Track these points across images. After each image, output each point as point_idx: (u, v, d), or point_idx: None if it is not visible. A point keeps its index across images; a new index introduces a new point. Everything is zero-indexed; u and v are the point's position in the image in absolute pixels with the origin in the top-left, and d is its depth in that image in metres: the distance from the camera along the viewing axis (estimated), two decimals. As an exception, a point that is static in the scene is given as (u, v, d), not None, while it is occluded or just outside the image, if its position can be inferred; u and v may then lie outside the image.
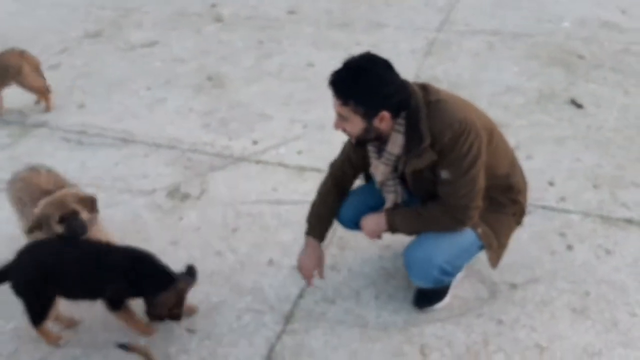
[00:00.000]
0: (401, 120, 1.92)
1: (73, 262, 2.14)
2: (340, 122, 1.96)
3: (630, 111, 3.50)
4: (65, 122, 3.70)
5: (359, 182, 2.37)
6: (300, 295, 2.40)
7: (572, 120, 3.48)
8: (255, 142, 3.41)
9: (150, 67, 4.34)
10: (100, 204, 2.93)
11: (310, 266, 2.23)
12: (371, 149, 2.07)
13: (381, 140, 2.00)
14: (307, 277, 2.25)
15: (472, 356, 2.13)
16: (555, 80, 3.91)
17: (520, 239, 2.53)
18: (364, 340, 2.20)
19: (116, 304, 2.18)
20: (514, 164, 2.14)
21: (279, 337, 2.23)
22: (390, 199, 2.12)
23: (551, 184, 2.97)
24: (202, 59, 4.40)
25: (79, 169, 3.24)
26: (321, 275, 2.28)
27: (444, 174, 1.93)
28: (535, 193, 2.85)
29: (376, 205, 2.18)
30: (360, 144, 2.03)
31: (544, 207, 2.80)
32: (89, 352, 2.19)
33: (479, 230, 2.06)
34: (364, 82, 1.85)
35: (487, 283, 2.40)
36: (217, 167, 3.22)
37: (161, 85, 4.09)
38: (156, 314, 2.13)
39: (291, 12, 5.16)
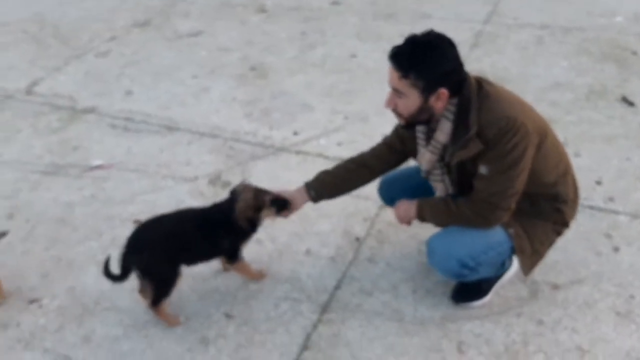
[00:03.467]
0: (451, 108, 1.89)
1: (194, 230, 2.20)
2: (394, 99, 1.93)
3: (687, 110, 3.35)
4: (112, 108, 3.81)
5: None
6: (337, 286, 2.41)
7: (623, 118, 3.36)
8: (296, 133, 3.43)
9: (196, 56, 4.41)
10: (144, 189, 3.05)
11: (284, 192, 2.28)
12: (420, 135, 2.05)
13: (431, 123, 1.97)
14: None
15: (511, 356, 2.10)
16: (606, 76, 3.77)
17: (565, 239, 2.45)
18: (400, 334, 2.20)
19: (235, 255, 2.30)
20: (565, 173, 2.05)
21: (315, 326, 2.25)
22: (439, 188, 2.10)
23: (599, 183, 2.87)
24: (246, 49, 4.45)
25: (125, 155, 3.34)
26: (285, 215, 2.31)
27: (482, 169, 1.90)
28: (582, 192, 2.73)
29: (418, 188, 2.18)
30: (409, 125, 2.00)
31: (590, 207, 2.71)
32: (129, 332, 2.26)
33: (511, 230, 2.01)
34: (427, 56, 1.82)
35: (528, 282, 2.35)
36: (258, 156, 3.26)
37: (206, 74, 4.15)
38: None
39: (335, 3, 5.14)
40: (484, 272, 2.12)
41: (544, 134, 1.94)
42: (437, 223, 2.12)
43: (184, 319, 2.29)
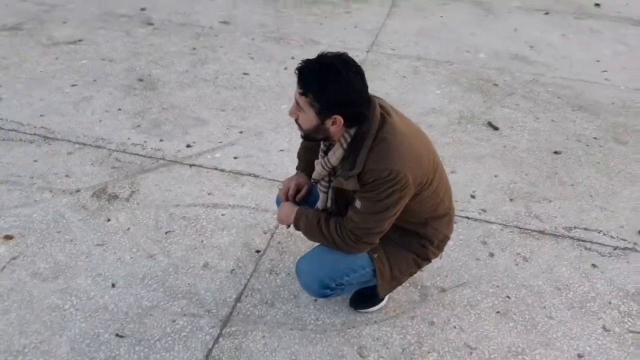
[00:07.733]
0: (348, 137, 1.93)
1: None
2: (296, 111, 1.93)
3: (540, 134, 3.84)
4: (-25, 115, 3.41)
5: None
6: (238, 299, 2.36)
7: (489, 140, 3.75)
8: (189, 146, 3.33)
9: (76, 64, 4.12)
10: (16, 202, 2.75)
11: (288, 182, 2.26)
12: (321, 147, 2.08)
13: (329, 142, 2.02)
14: (283, 191, 2.27)
15: (408, 357, 2.20)
16: (473, 104, 4.20)
17: (448, 246, 2.66)
18: (303, 343, 2.21)
19: None
20: (441, 216, 2.16)
21: (216, 340, 2.18)
22: (322, 199, 2.15)
23: (473, 196, 3.17)
24: (133, 61, 4.25)
25: (-8, 166, 2.99)
26: (300, 196, 2.28)
27: (357, 203, 1.97)
28: (460, 205, 3.04)
29: (314, 203, 2.21)
30: (307, 138, 2.03)
31: (467, 218, 2.98)
32: (3, 357, 2.01)
33: (375, 255, 2.12)
34: (329, 81, 1.81)
35: (418, 287, 2.51)
36: (148, 169, 3.11)
37: (88, 83, 3.89)
38: None
39: (225, 22, 5.14)
40: (348, 291, 2.21)
41: (429, 182, 2.02)
42: (307, 235, 2.15)
43: (68, 341, 2.08)
